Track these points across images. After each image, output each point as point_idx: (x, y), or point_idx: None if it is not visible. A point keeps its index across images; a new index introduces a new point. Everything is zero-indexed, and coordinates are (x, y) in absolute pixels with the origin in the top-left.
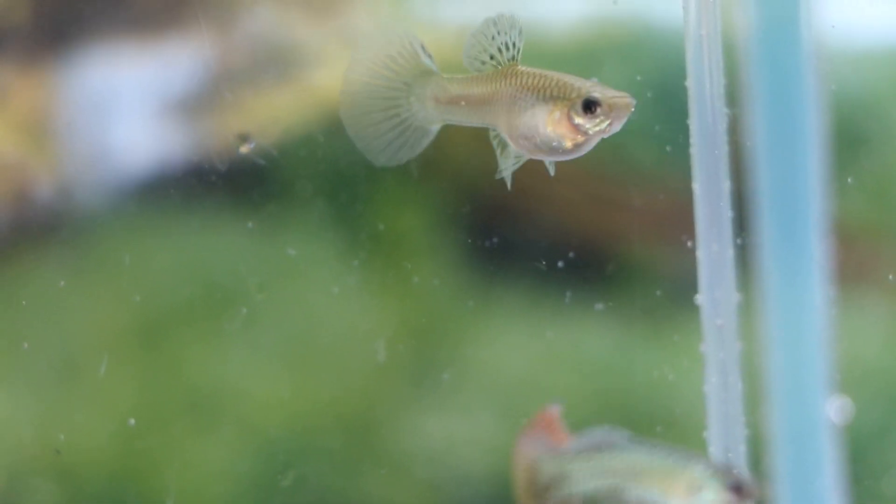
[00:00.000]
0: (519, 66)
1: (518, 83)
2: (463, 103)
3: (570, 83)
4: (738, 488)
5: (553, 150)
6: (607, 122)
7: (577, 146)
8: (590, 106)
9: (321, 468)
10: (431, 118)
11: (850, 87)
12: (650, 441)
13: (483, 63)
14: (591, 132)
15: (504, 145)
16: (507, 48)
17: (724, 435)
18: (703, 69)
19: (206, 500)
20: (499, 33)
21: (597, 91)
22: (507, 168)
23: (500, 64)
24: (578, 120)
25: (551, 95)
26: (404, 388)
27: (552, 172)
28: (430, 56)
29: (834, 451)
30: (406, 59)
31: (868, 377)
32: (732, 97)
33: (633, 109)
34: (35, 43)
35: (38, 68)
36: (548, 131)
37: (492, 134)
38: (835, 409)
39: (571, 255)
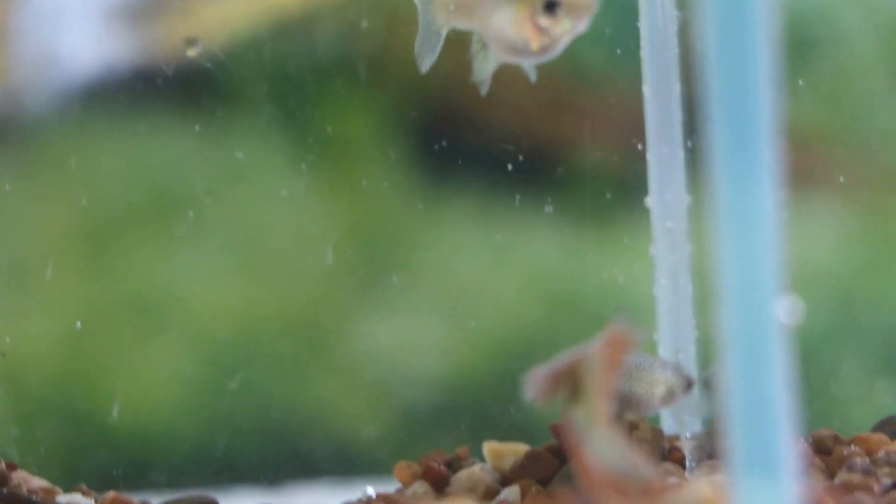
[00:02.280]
0: None
1: None
2: (451, 7)
3: None
4: (689, 385)
5: (521, 52)
6: (570, 24)
7: (544, 48)
8: (551, 7)
9: (269, 373)
10: (434, 21)
11: None
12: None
13: None
14: (554, 33)
15: (484, 50)
16: None
17: (674, 337)
18: None
19: (153, 404)
20: None
21: None
22: (481, 72)
23: None
24: (542, 21)
25: None
26: (353, 292)
27: (533, 78)
28: None
29: (784, 353)
30: None
31: (818, 280)
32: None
33: (594, 10)
34: None
35: None
36: (513, 33)
37: (475, 37)
38: (785, 311)
39: (521, 158)
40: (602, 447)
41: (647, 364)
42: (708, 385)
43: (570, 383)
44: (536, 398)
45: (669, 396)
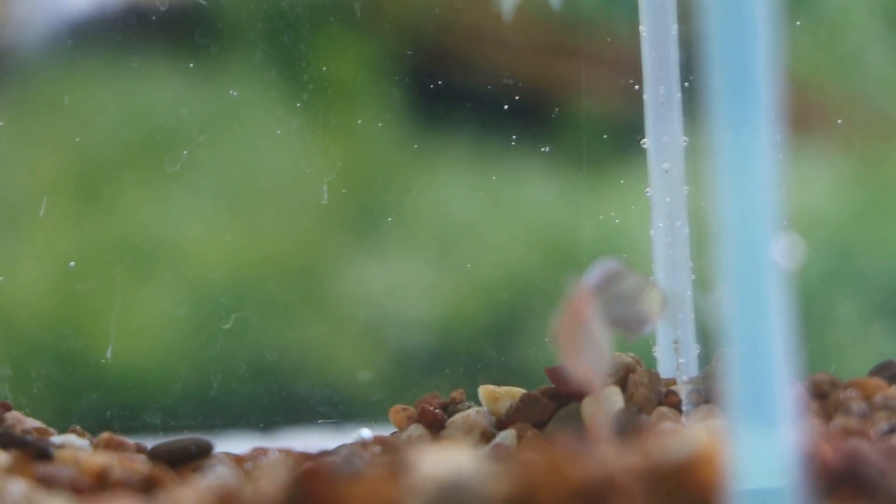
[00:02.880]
0: None
1: None
2: None
3: None
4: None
5: None
6: None
7: None
8: None
9: (262, 315)
10: None
11: None
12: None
13: None
14: None
15: None
16: None
17: (670, 279)
18: None
19: (146, 346)
20: None
21: None
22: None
23: None
24: None
25: None
26: (346, 235)
27: (556, 5)
28: None
29: (782, 295)
30: None
31: (814, 225)
32: None
33: None
34: None
35: None
36: None
37: None
38: (783, 252)
39: (516, 98)
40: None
41: (643, 283)
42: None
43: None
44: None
45: (663, 309)
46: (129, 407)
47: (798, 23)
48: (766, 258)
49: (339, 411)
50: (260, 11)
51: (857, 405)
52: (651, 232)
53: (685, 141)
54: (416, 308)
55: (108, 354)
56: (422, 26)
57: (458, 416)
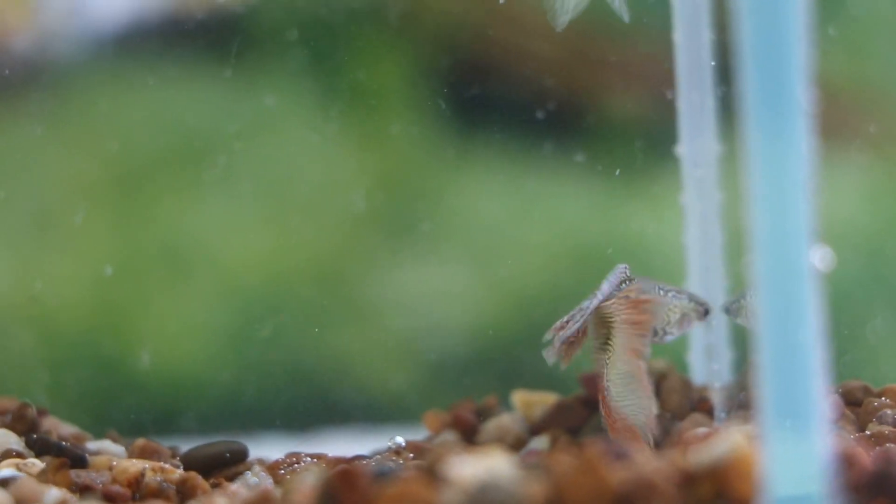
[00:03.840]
0: None
1: None
2: None
3: None
4: (706, 312)
5: None
6: None
7: None
8: None
9: (298, 321)
10: None
11: None
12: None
13: None
14: None
15: None
16: None
17: (703, 285)
18: None
19: (183, 351)
20: None
21: None
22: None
23: None
24: None
25: None
26: (382, 240)
27: (626, 18)
28: None
29: (816, 303)
30: None
31: (847, 233)
32: None
33: None
34: None
35: None
36: None
37: None
38: (817, 258)
39: (550, 107)
40: (620, 393)
41: (662, 293)
42: (729, 312)
43: (595, 336)
44: (559, 361)
45: (684, 321)
46: (165, 412)
47: (831, 31)
48: (799, 265)
49: (373, 415)
50: (296, 20)
51: (891, 412)
52: (684, 239)
53: (719, 148)
54: (451, 313)
55: (145, 360)
56: (458, 35)
57: (491, 422)
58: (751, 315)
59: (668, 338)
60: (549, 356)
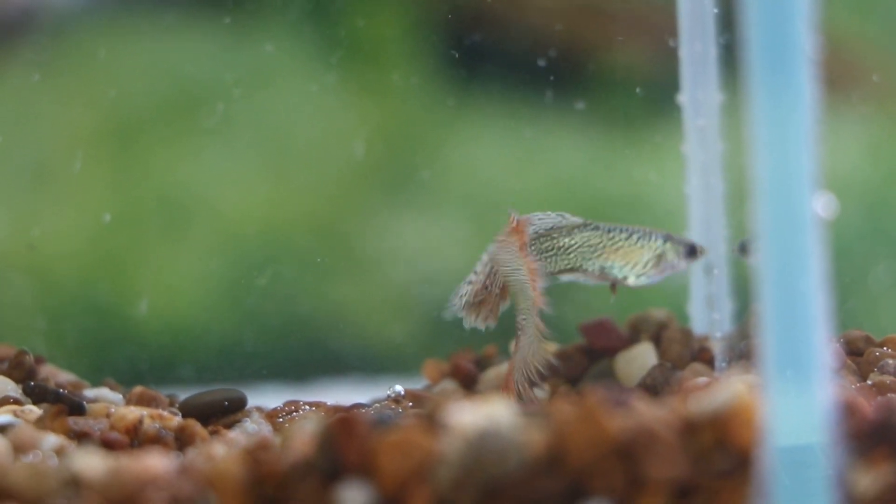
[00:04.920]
0: None
1: None
2: None
3: None
4: (692, 251)
5: None
6: None
7: None
8: None
9: (296, 271)
10: None
11: None
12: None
13: None
14: None
15: None
16: None
17: (705, 235)
18: None
19: (180, 300)
20: None
21: None
22: None
23: None
24: None
25: None
26: (380, 191)
27: None
28: None
29: (819, 252)
30: None
31: (848, 184)
32: None
33: None
34: None
35: None
36: None
37: None
38: (820, 206)
39: (551, 55)
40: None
41: (624, 236)
42: (745, 250)
43: (495, 290)
44: (472, 324)
45: (660, 262)
46: (162, 360)
47: None
48: (802, 214)
49: (371, 365)
50: None
51: (892, 362)
52: (686, 189)
53: (721, 97)
54: (450, 263)
55: (143, 308)
56: None
57: (491, 371)
58: None
59: (644, 279)
60: (466, 322)
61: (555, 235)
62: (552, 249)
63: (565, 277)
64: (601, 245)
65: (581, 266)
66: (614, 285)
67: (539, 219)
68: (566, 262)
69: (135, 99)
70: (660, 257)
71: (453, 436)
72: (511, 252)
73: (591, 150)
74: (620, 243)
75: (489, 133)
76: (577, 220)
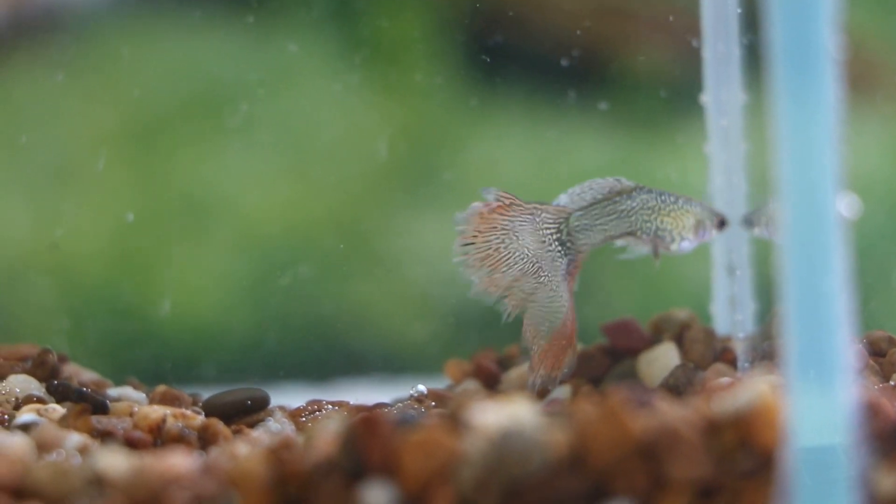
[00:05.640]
0: None
1: None
2: None
3: None
4: (722, 222)
5: None
6: None
7: None
8: None
9: (318, 271)
10: None
11: None
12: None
13: None
14: None
15: None
16: None
17: (727, 237)
18: None
19: (203, 299)
20: None
21: None
22: None
23: None
24: None
25: None
26: (403, 190)
27: None
28: None
29: (842, 249)
30: None
31: (870, 184)
32: None
33: None
34: None
35: None
36: None
37: None
38: (843, 207)
39: (574, 55)
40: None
41: (672, 200)
42: (750, 223)
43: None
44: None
45: (699, 227)
46: (185, 360)
47: None
48: (825, 214)
49: (394, 365)
50: None
51: None
52: (709, 189)
53: (744, 97)
54: None
55: (166, 307)
56: None
57: (513, 372)
58: (771, 224)
59: (685, 244)
60: (463, 273)
61: (616, 199)
62: (614, 213)
63: (620, 242)
64: (657, 207)
65: (639, 229)
66: (657, 251)
67: (598, 184)
68: (627, 224)
69: (158, 98)
70: (699, 223)
71: (476, 436)
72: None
73: (614, 151)
74: (671, 206)
75: (511, 133)
76: (630, 183)
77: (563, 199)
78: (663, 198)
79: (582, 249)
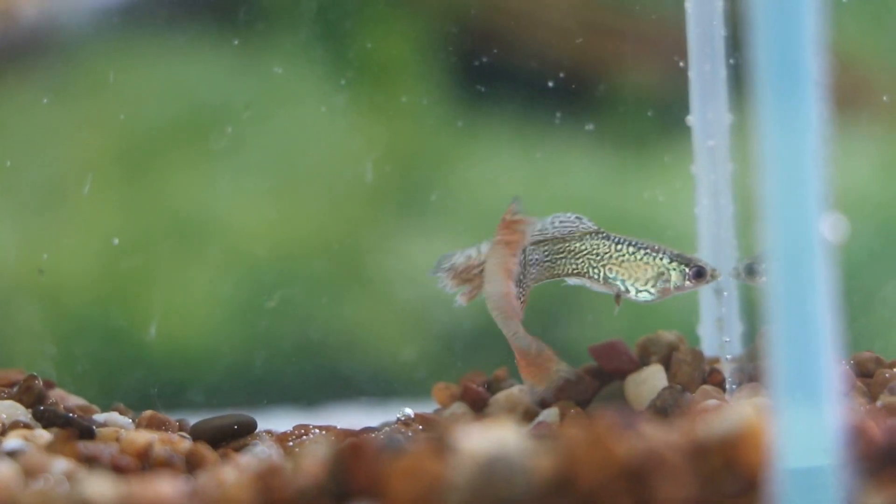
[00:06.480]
0: None
1: None
2: None
3: None
4: (699, 274)
5: None
6: None
7: None
8: None
9: (306, 293)
10: None
11: None
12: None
13: None
14: None
15: None
16: None
17: (714, 256)
18: None
19: (191, 323)
20: None
21: None
22: None
23: None
24: None
25: None
26: (391, 211)
27: None
28: None
29: (828, 274)
30: None
31: (859, 203)
32: None
33: None
34: None
35: None
36: None
37: None
38: (829, 228)
39: (561, 76)
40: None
41: (632, 250)
42: (751, 272)
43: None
44: (445, 287)
45: (660, 280)
46: (172, 384)
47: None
48: (811, 236)
49: (382, 388)
50: None
51: None
52: (696, 209)
53: (730, 118)
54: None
55: (152, 332)
56: (466, 3)
57: (501, 394)
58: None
59: (645, 296)
60: (441, 283)
61: (567, 239)
62: (563, 252)
63: (572, 281)
64: (607, 255)
65: (587, 272)
66: (618, 297)
67: (560, 221)
68: (574, 266)
69: (144, 121)
70: (660, 276)
71: (462, 460)
72: (499, 258)
73: (602, 171)
74: (626, 256)
75: (499, 154)
76: (591, 225)
77: (537, 226)
78: (619, 246)
79: (529, 285)
